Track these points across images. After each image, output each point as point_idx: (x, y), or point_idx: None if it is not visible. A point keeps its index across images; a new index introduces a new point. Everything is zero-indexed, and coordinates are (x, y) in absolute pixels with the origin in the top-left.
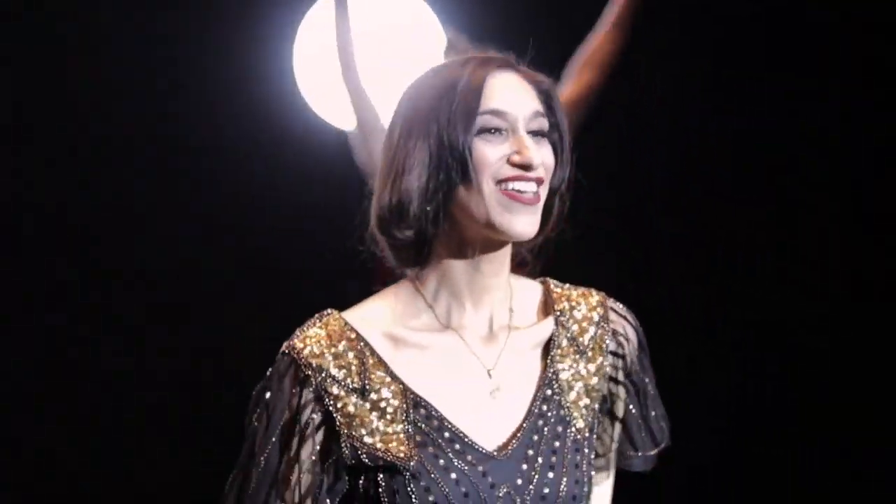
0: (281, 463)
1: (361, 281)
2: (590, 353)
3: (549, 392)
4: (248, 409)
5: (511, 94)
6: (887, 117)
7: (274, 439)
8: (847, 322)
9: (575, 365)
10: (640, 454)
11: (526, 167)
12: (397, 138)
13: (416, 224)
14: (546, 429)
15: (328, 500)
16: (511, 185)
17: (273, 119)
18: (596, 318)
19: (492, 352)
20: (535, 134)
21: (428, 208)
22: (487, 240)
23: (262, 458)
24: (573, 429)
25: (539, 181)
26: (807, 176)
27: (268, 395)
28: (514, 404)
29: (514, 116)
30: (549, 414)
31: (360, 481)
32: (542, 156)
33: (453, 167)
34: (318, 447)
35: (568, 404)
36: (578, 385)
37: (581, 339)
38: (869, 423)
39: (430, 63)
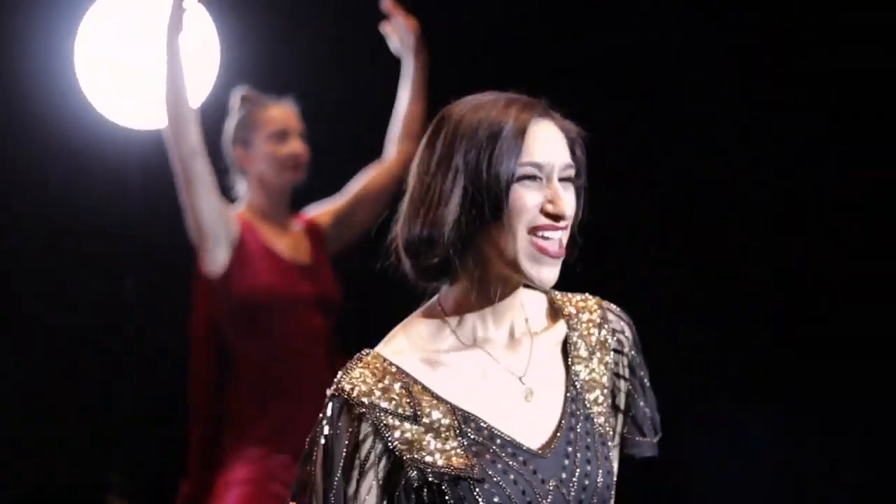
0: (346, 498)
1: (135, 279)
2: (599, 354)
3: (574, 392)
4: (302, 458)
5: (549, 145)
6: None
7: (338, 477)
8: (807, 324)
9: (589, 365)
10: (647, 440)
11: (558, 218)
12: (435, 168)
13: (443, 254)
14: (578, 426)
15: None
16: (541, 233)
17: (54, 120)
18: (598, 319)
19: (519, 358)
20: (564, 180)
21: (458, 243)
22: (510, 274)
23: (331, 496)
24: (597, 424)
25: (565, 229)
26: (768, 178)
27: (323, 439)
28: (548, 405)
29: (550, 167)
30: (578, 412)
31: (425, 495)
32: (570, 203)
33: (489, 208)
34: (380, 477)
35: (589, 402)
36: (595, 384)
37: (590, 341)
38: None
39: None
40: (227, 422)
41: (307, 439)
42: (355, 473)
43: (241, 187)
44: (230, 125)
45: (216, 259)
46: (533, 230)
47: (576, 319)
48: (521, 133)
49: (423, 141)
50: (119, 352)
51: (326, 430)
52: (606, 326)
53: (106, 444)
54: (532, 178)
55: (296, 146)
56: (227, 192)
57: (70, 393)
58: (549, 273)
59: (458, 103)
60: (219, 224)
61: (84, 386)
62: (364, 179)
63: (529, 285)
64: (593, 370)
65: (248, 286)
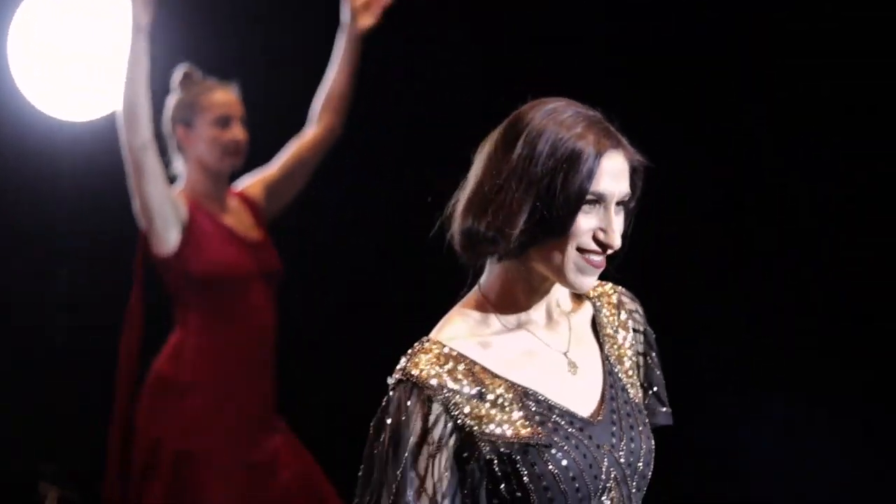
0: (421, 476)
1: (70, 268)
2: (622, 332)
3: (608, 366)
4: (368, 440)
5: (616, 178)
6: None
7: (409, 456)
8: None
9: (616, 342)
10: (665, 410)
11: (607, 247)
12: (510, 172)
13: (499, 252)
14: (617, 396)
15: (482, 497)
16: (588, 255)
17: None
18: (615, 302)
19: (559, 336)
20: (618, 203)
21: (516, 248)
22: (550, 276)
23: (399, 473)
24: (631, 395)
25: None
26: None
27: (391, 420)
28: (590, 377)
29: (611, 196)
30: (615, 384)
31: (497, 468)
32: (620, 230)
33: (552, 226)
34: (452, 454)
35: (621, 374)
36: (622, 360)
37: (612, 321)
38: None
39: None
40: (166, 388)
41: (371, 427)
42: (426, 453)
43: (179, 165)
44: (171, 103)
45: (168, 240)
46: (580, 249)
47: (599, 302)
48: (597, 162)
49: (498, 136)
50: (56, 347)
51: (394, 415)
52: (624, 308)
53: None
54: (593, 203)
55: (237, 132)
56: (164, 167)
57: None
58: (590, 282)
59: (534, 107)
60: (168, 208)
61: (24, 381)
62: (290, 151)
63: None
64: (620, 347)
65: (206, 263)
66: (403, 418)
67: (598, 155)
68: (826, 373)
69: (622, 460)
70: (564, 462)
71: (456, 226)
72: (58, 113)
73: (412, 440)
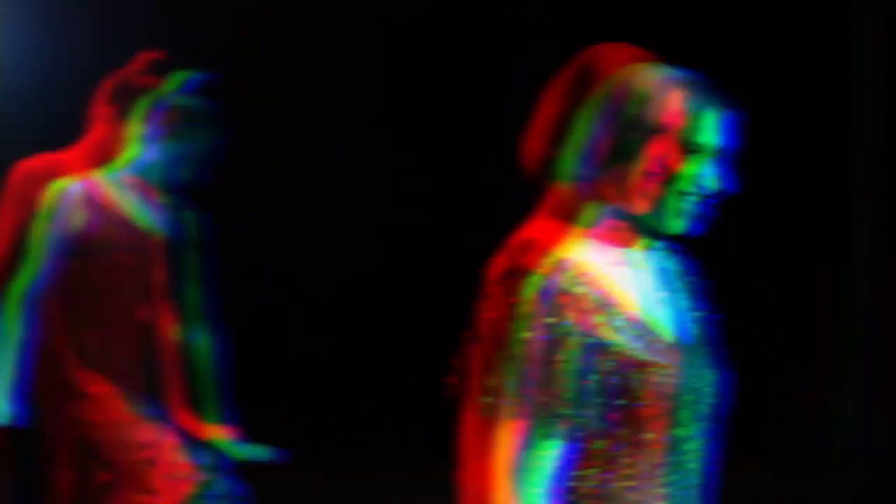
0: (552, 377)
1: None
2: (681, 281)
3: (680, 306)
4: (508, 338)
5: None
6: None
7: (543, 358)
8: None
9: (682, 288)
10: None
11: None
12: (592, 106)
13: (620, 193)
14: (688, 331)
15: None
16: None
17: None
18: (676, 257)
19: (649, 274)
20: None
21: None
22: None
23: (536, 371)
24: (696, 331)
25: None
26: None
27: (530, 323)
28: (673, 313)
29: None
30: (685, 322)
31: (602, 377)
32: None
33: (629, 152)
34: (575, 353)
35: (688, 316)
36: (683, 301)
37: (677, 272)
38: None
39: None
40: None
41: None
42: (558, 358)
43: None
44: (124, 76)
45: None
46: (681, 193)
47: (667, 254)
48: (664, 99)
49: (571, 78)
50: None
51: (534, 318)
52: (676, 259)
53: None
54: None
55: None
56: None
57: None
58: (680, 224)
59: (599, 52)
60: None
61: None
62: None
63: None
64: (683, 295)
65: (83, 234)
66: (542, 323)
67: (664, 92)
68: None
69: (697, 385)
70: (657, 379)
71: (534, 155)
72: None
73: (546, 345)
